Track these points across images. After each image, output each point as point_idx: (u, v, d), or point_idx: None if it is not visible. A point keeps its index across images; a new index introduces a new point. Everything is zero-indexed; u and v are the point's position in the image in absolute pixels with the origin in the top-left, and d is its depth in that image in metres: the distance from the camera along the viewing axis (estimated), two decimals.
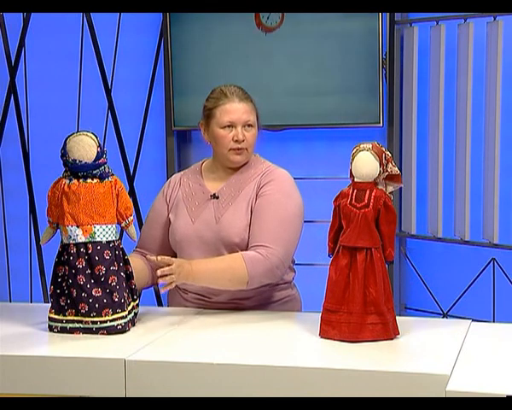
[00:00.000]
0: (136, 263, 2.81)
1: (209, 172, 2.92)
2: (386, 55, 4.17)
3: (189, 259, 2.77)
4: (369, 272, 2.41)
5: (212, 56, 4.37)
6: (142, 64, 4.53)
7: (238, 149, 2.82)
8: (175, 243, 2.87)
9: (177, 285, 2.70)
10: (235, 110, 2.81)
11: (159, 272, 2.62)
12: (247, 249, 2.76)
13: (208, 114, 2.85)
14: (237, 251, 2.76)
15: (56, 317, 2.57)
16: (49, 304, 2.60)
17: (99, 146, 2.56)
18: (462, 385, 2.06)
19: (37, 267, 4.69)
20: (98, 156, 2.55)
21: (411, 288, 4.36)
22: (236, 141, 2.81)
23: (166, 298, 3.04)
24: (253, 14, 4.27)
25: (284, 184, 2.82)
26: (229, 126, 2.81)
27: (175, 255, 2.87)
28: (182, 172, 3.01)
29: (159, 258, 2.65)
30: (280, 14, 4.24)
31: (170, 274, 2.61)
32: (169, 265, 2.62)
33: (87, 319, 2.53)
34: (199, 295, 2.84)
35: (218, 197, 2.85)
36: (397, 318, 2.47)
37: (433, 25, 4.07)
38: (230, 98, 2.82)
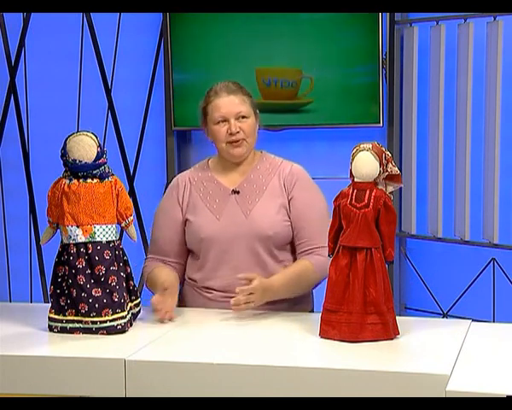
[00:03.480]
0: (167, 272, 2.83)
1: (219, 170, 2.93)
2: (386, 55, 4.16)
3: (216, 256, 2.82)
4: (369, 272, 2.41)
5: (212, 56, 4.37)
6: (142, 64, 4.52)
7: (234, 141, 2.84)
8: (199, 241, 2.86)
9: (200, 285, 2.83)
10: (223, 104, 2.84)
11: (238, 290, 2.64)
12: (285, 246, 2.85)
13: (204, 113, 2.90)
14: (270, 244, 2.82)
15: (56, 317, 2.57)
16: (49, 304, 2.60)
17: (99, 146, 2.56)
18: (462, 385, 2.06)
19: (37, 267, 4.68)
20: (98, 156, 2.55)
21: (411, 288, 4.36)
22: (231, 134, 2.83)
23: (181, 298, 2.97)
24: None
25: (307, 182, 2.91)
26: (222, 121, 2.84)
27: (187, 256, 2.91)
28: (187, 172, 2.99)
29: (240, 275, 2.68)
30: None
31: (251, 293, 2.64)
32: (250, 280, 2.66)
33: (87, 319, 2.53)
34: (225, 292, 2.81)
35: (238, 192, 2.86)
36: (397, 318, 2.47)
37: (433, 25, 4.07)
38: (219, 93, 2.85)
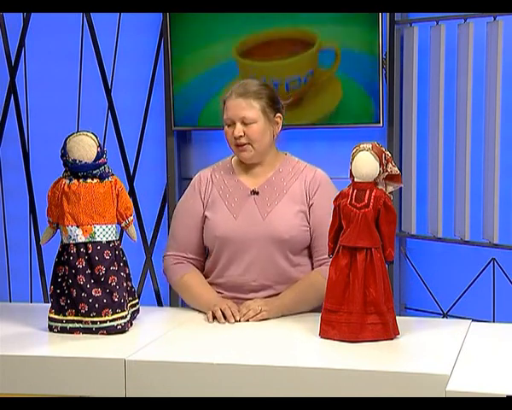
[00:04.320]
0: (201, 280, 2.87)
1: (242, 169, 2.91)
2: (386, 55, 4.16)
3: (229, 255, 2.82)
4: (369, 272, 2.41)
5: (212, 56, 4.37)
6: (142, 64, 4.52)
7: (239, 145, 2.82)
8: (214, 239, 2.85)
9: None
10: (231, 107, 2.83)
11: (244, 310, 2.71)
12: (302, 250, 2.84)
13: (222, 111, 2.88)
14: (285, 248, 2.81)
15: (56, 317, 2.57)
16: (49, 304, 2.60)
17: (99, 146, 2.56)
18: (462, 385, 2.06)
19: (37, 267, 4.68)
20: (98, 156, 2.55)
21: (411, 288, 4.36)
22: (235, 138, 2.82)
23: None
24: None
25: (330, 189, 2.85)
26: (230, 124, 2.83)
27: (206, 253, 2.92)
28: (210, 169, 2.96)
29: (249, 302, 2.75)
30: None
31: (258, 312, 2.70)
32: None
33: (87, 319, 2.53)
34: (234, 292, 2.82)
35: (257, 193, 2.85)
36: (397, 318, 2.48)
37: (433, 25, 4.06)
38: (230, 95, 2.84)
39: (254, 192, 2.86)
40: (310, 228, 2.84)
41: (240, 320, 2.68)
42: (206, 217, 2.88)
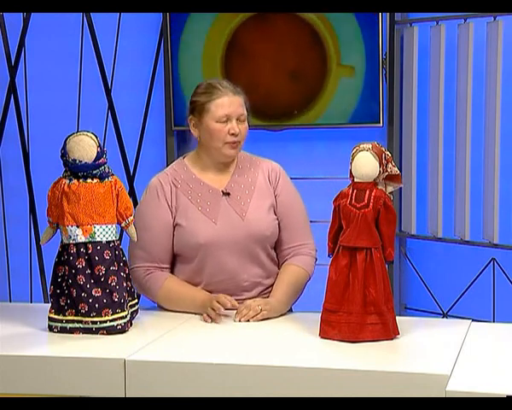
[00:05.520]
0: (183, 282, 2.84)
1: (200, 170, 2.88)
2: (386, 55, 4.16)
3: (216, 261, 2.80)
4: (369, 272, 2.41)
5: (212, 56, 4.37)
6: (142, 64, 4.52)
7: (233, 142, 2.82)
8: (196, 246, 2.79)
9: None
10: (230, 103, 2.82)
11: (245, 310, 2.70)
12: (278, 245, 2.88)
13: (201, 109, 2.83)
14: (266, 244, 2.84)
15: (56, 317, 2.57)
16: (49, 304, 2.60)
17: (99, 146, 2.56)
18: (462, 385, 2.06)
19: (37, 267, 4.68)
20: (98, 156, 2.55)
21: (411, 288, 4.36)
22: (233, 134, 2.81)
23: None
24: None
25: (287, 178, 2.95)
26: (225, 121, 2.81)
27: (174, 260, 2.87)
28: (166, 173, 2.89)
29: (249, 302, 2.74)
30: None
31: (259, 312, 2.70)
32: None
33: (87, 319, 2.53)
34: (229, 295, 2.77)
35: (229, 194, 2.85)
36: (397, 318, 2.47)
37: (433, 25, 4.07)
38: (224, 92, 2.83)
39: (225, 193, 2.85)
40: (277, 219, 2.87)
41: (240, 320, 2.68)
42: (177, 224, 2.82)
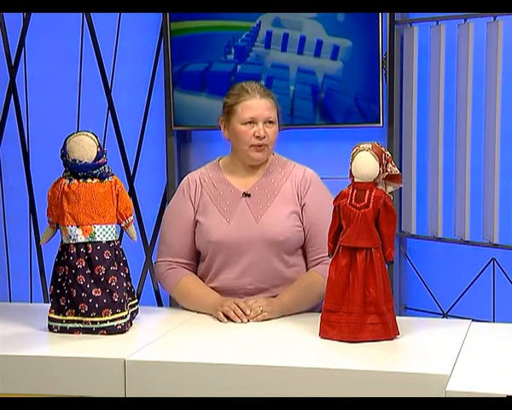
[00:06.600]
0: (200, 282, 2.87)
1: (230, 171, 2.91)
2: (386, 55, 4.16)
3: (223, 260, 2.81)
4: (369, 272, 2.41)
5: (212, 56, 4.37)
6: (142, 64, 4.52)
7: (259, 145, 2.82)
8: (208, 244, 2.84)
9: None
10: (256, 106, 2.82)
11: (247, 311, 2.69)
12: (296, 251, 2.85)
13: (229, 111, 2.85)
14: (280, 250, 2.81)
15: (56, 317, 2.57)
16: (49, 304, 2.60)
17: (99, 146, 2.56)
18: (462, 385, 2.06)
19: (37, 267, 4.68)
20: (98, 156, 2.55)
21: (411, 288, 4.36)
22: (258, 137, 2.81)
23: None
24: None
25: (320, 187, 2.90)
26: (250, 123, 2.82)
27: (198, 257, 2.90)
28: (198, 172, 2.95)
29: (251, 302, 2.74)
30: None
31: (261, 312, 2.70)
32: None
33: (87, 319, 2.53)
34: (230, 297, 2.80)
35: (249, 195, 2.85)
36: (397, 318, 2.48)
37: (433, 25, 4.06)
38: (252, 94, 2.83)
39: (246, 194, 2.86)
40: (303, 228, 2.85)
41: (248, 321, 2.69)
42: (198, 221, 2.87)
